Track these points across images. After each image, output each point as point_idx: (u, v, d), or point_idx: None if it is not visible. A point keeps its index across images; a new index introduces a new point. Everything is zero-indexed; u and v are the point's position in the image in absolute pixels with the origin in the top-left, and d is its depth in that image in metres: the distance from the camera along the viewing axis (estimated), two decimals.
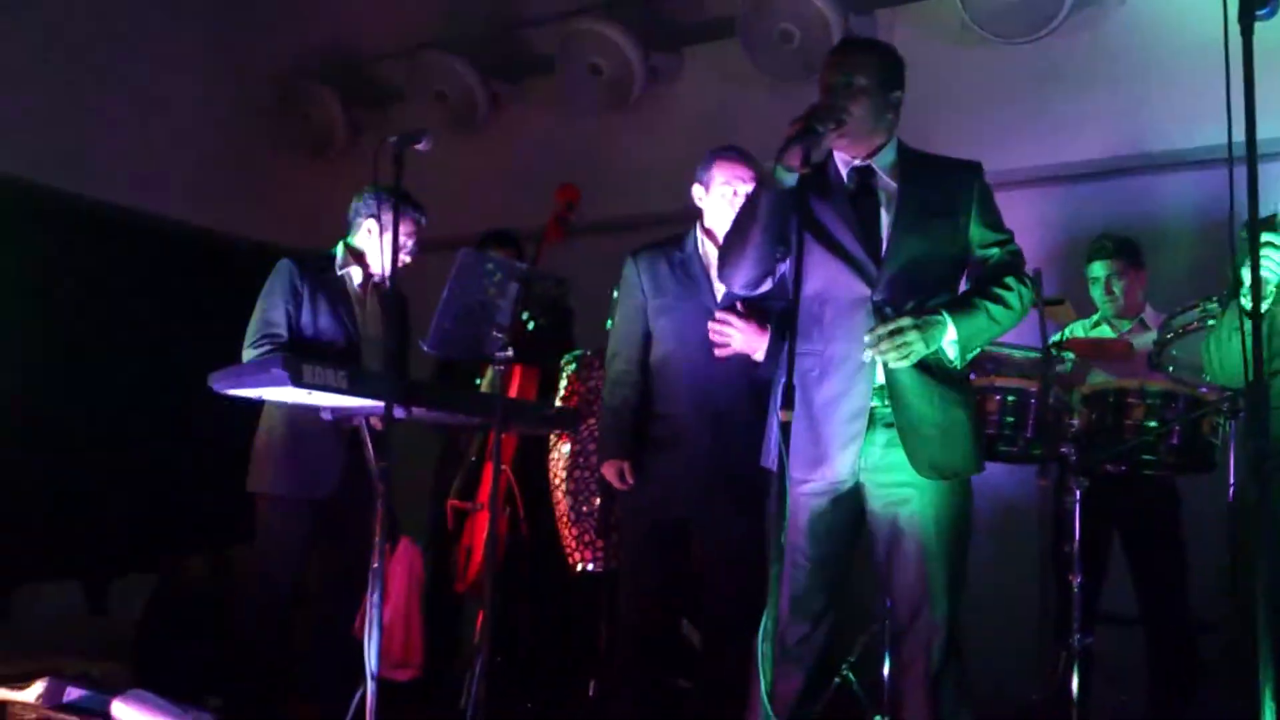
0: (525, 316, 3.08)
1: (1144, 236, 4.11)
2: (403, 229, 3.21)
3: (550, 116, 5.59)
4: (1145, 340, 3.72)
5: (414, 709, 4.00)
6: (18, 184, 4.99)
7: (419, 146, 2.85)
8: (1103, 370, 3.88)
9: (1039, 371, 3.34)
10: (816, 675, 2.67)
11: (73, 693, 3.58)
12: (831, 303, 2.58)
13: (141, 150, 5.43)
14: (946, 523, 2.55)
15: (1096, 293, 4.05)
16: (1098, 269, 4.04)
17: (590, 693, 3.90)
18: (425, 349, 2.98)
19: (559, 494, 3.85)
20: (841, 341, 2.55)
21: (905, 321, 2.45)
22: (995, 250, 2.64)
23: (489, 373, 3.99)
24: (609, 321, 3.53)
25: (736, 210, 2.88)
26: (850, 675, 3.95)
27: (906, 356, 2.46)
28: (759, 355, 3.18)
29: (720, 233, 3.22)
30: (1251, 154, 1.96)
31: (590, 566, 3.77)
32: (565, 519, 3.79)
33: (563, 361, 3.95)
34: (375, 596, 2.65)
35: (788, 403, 2.21)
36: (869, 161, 2.63)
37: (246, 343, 3.45)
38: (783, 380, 2.24)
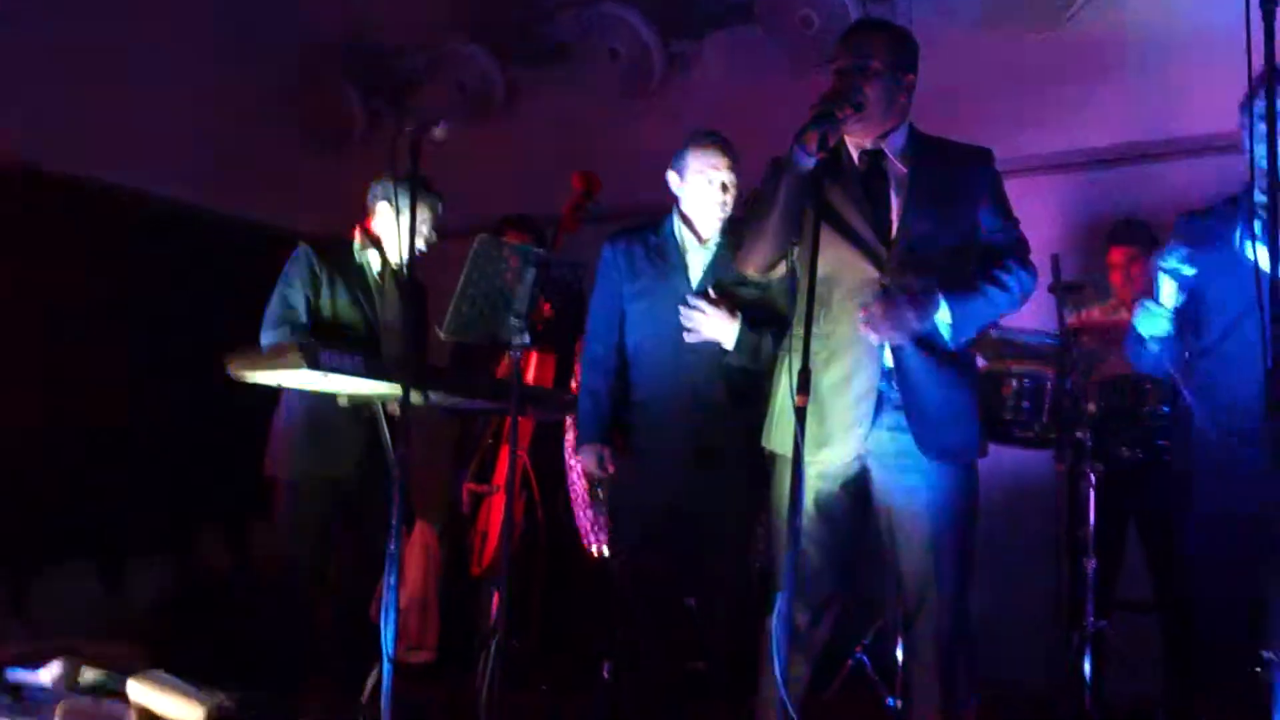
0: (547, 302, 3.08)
1: (1162, 222, 4.09)
2: (420, 215, 3.22)
3: (569, 103, 5.58)
4: None
5: (430, 691, 4.03)
6: (49, 177, 5.04)
7: (437, 131, 2.83)
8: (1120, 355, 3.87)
9: (1056, 356, 3.33)
10: (823, 658, 2.68)
11: (89, 673, 3.62)
12: (839, 285, 2.56)
13: (166, 139, 5.46)
14: (953, 506, 2.55)
15: (1115, 278, 4.04)
16: (1116, 254, 4.03)
17: (605, 674, 3.92)
18: (442, 335, 2.99)
19: (573, 477, 3.88)
20: (849, 324, 2.53)
21: (900, 298, 2.45)
22: (1000, 236, 2.64)
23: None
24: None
25: (714, 195, 3.06)
26: (864, 658, 3.97)
27: (899, 330, 2.46)
28: (729, 343, 3.17)
29: (696, 219, 3.26)
30: (1272, 137, 1.95)
31: (605, 550, 3.79)
32: (580, 502, 3.82)
33: (578, 347, 3.96)
34: (391, 579, 2.66)
35: (803, 388, 2.20)
36: (880, 144, 2.62)
37: (264, 327, 3.45)
38: (795, 366, 2.23)
